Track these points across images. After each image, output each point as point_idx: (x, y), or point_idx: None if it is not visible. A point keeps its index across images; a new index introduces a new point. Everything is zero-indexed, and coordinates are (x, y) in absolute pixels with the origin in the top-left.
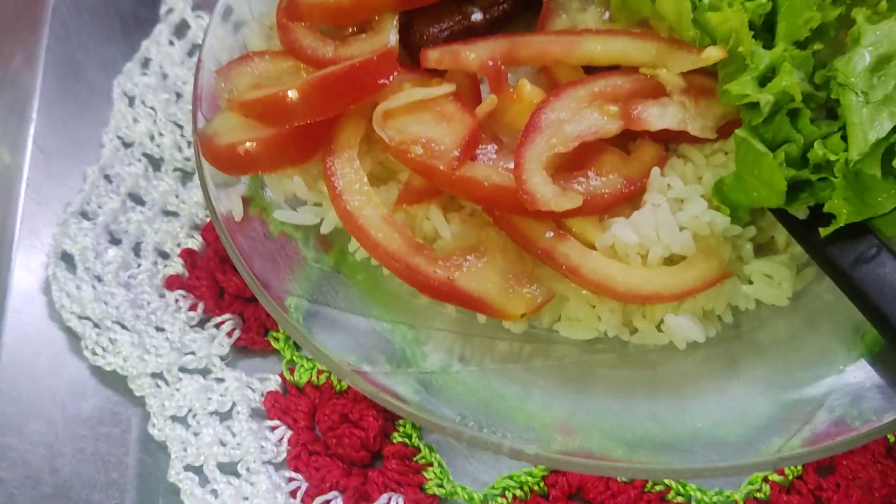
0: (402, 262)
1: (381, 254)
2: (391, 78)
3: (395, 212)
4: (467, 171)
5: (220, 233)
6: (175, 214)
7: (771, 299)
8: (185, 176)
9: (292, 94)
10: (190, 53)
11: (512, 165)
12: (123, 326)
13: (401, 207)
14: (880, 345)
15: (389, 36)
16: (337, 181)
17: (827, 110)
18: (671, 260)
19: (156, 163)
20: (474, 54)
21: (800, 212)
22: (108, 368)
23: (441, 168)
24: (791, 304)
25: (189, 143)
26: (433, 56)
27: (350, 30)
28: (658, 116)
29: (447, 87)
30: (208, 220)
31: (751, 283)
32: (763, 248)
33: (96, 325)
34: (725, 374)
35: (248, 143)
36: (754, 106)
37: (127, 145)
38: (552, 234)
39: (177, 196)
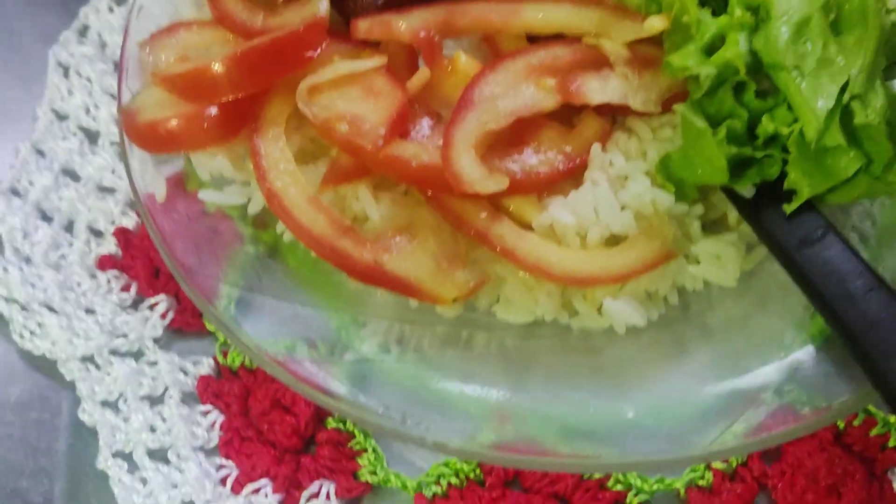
0: (328, 246)
1: (306, 237)
2: (319, 50)
3: (322, 192)
4: (394, 150)
5: (144, 217)
6: (111, 191)
7: (718, 280)
8: None
9: (215, 68)
10: None
11: None
12: (52, 309)
13: (328, 187)
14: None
15: (319, 5)
16: (262, 160)
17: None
18: (613, 240)
19: (92, 136)
20: (406, 24)
21: (746, 190)
22: (36, 352)
23: (367, 147)
24: (741, 285)
25: None
26: (363, 26)
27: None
28: (598, 90)
29: (377, 60)
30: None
31: (698, 262)
32: (715, 225)
33: (24, 308)
34: (671, 359)
35: (170, 121)
36: (696, 78)
37: (61, 118)
38: (487, 214)
39: (113, 171)
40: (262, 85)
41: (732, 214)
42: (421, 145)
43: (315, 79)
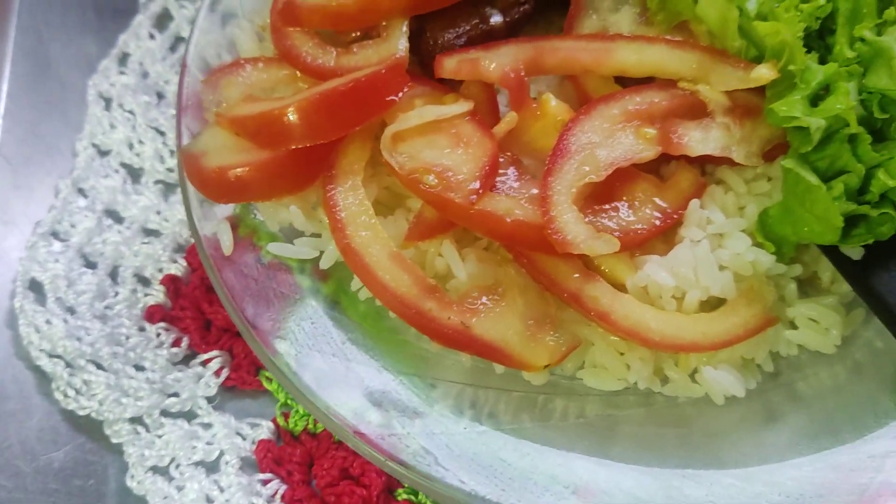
0: (413, 308)
1: (388, 297)
2: (402, 93)
3: (404, 248)
4: (487, 206)
5: (207, 267)
6: (156, 234)
7: (818, 346)
8: (168, 189)
9: (290, 114)
10: (172, 48)
11: (534, 192)
12: (99, 366)
13: (412, 243)
14: None
15: (399, 44)
16: (339, 213)
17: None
18: (708, 303)
19: (135, 174)
20: (495, 63)
21: (854, 251)
22: (81, 413)
23: (458, 201)
24: (836, 351)
25: (172, 153)
26: (449, 65)
27: (353, 34)
28: (700, 141)
29: (464, 106)
30: (193, 241)
31: (795, 327)
32: (805, 285)
33: (69, 365)
34: (765, 431)
35: (239, 169)
36: (803, 130)
37: (103, 154)
38: (579, 274)
39: (158, 213)
40: (342, 132)
41: (826, 274)
42: (514, 199)
43: (400, 126)
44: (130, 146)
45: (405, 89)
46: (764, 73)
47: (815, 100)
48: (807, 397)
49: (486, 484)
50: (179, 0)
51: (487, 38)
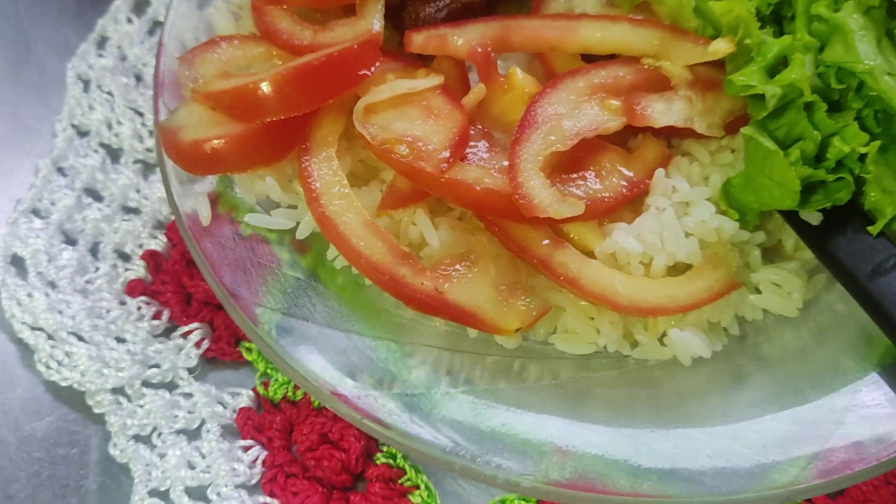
0: (387, 274)
1: (363, 264)
2: (374, 68)
3: (378, 216)
4: (457, 174)
5: (186, 239)
6: (136, 211)
7: (781, 310)
8: (147, 168)
9: (265, 87)
10: (150, 32)
11: (504, 164)
12: (80, 338)
13: (386, 212)
14: (891, 357)
15: (373, 21)
16: (314, 183)
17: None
18: (675, 268)
19: (114, 154)
20: (462, 39)
21: (812, 216)
22: (64, 384)
23: (429, 170)
24: (799, 315)
25: (151, 133)
26: (418, 40)
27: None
28: (663, 113)
29: (435, 79)
30: (173, 217)
31: (759, 292)
32: (770, 252)
33: (50, 337)
34: (731, 391)
35: (215, 141)
36: (761, 99)
37: (82, 134)
38: (549, 241)
39: (138, 191)
40: (315, 105)
41: (789, 241)
42: (483, 168)
43: (372, 98)
44: (109, 126)
45: (377, 64)
46: (721, 47)
47: (772, 72)
48: (771, 359)
49: (463, 442)
50: None
51: (467, 11)
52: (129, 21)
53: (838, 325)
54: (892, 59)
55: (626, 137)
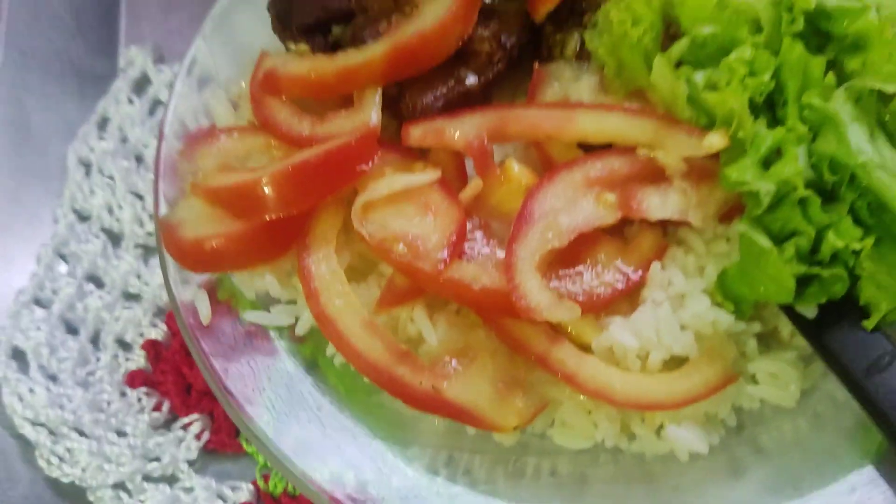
0: (386, 374)
1: (362, 364)
2: (372, 163)
3: (376, 314)
4: (455, 273)
5: (185, 336)
6: (137, 298)
7: (778, 401)
8: (148, 252)
9: (264, 185)
10: (151, 112)
11: (501, 255)
12: (81, 433)
13: (384, 310)
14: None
15: (371, 113)
16: (313, 282)
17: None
18: (672, 361)
19: (115, 238)
20: (459, 132)
21: (809, 310)
22: (65, 480)
23: (427, 270)
24: (797, 404)
25: (151, 216)
26: (415, 134)
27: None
28: (659, 206)
29: (431, 174)
30: None
31: (756, 382)
32: (766, 338)
33: (52, 432)
34: (729, 484)
35: (215, 240)
36: (756, 194)
37: (83, 219)
38: (546, 337)
39: (139, 277)
40: (314, 201)
41: (786, 329)
42: (481, 266)
43: (370, 196)
44: (110, 211)
45: (375, 158)
46: (715, 142)
47: (766, 163)
48: (769, 450)
49: None
50: (157, 64)
51: (464, 98)
52: (130, 102)
53: (836, 414)
54: (885, 152)
55: (623, 224)
